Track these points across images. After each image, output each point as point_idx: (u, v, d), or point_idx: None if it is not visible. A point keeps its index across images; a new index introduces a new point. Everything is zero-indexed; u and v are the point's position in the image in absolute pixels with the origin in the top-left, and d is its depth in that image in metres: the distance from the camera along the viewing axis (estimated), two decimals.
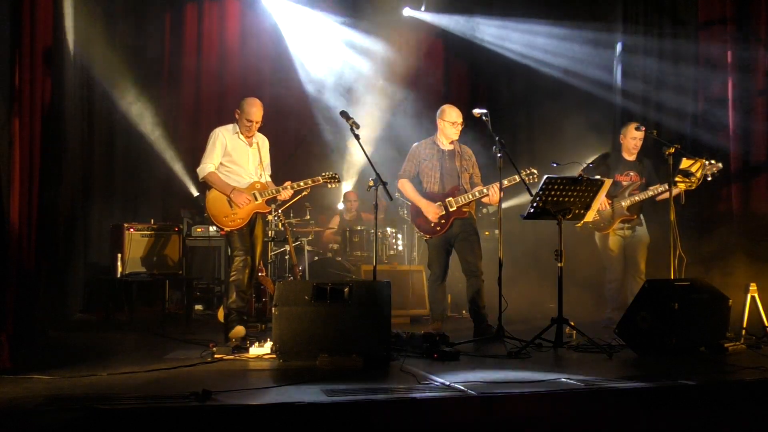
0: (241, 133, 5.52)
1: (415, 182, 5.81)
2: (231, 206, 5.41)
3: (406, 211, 8.13)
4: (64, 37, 6.26)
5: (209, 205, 5.43)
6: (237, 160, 5.50)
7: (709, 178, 5.74)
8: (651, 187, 6.01)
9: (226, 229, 5.43)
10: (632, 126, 6.14)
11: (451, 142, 5.79)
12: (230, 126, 5.56)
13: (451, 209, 5.61)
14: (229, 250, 5.70)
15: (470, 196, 5.60)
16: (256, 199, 5.47)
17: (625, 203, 6.01)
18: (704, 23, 7.17)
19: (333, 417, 3.12)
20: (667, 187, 5.63)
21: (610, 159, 6.32)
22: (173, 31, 8.45)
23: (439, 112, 5.82)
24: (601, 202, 5.85)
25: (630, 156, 6.24)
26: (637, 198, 6.03)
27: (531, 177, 5.50)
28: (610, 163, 6.27)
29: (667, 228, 5.49)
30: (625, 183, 6.13)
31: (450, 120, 5.71)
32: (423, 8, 9.39)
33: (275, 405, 3.14)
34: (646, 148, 6.34)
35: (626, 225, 6.11)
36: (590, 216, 5.18)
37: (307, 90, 8.96)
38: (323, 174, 5.70)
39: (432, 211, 5.61)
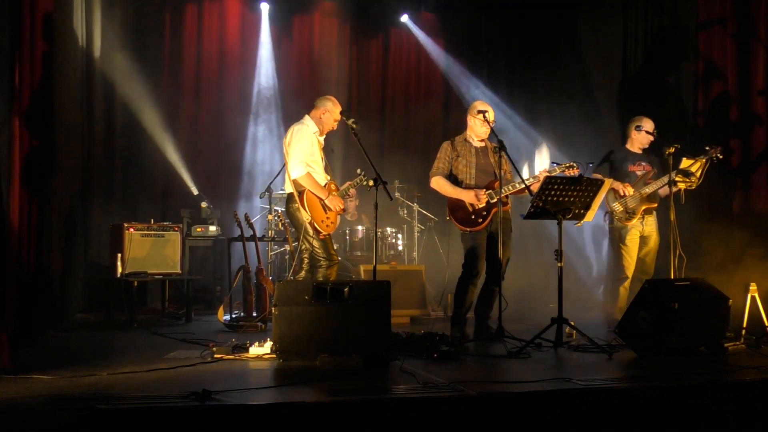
0: (323, 133, 5.34)
1: (449, 179, 5.54)
2: (325, 210, 5.22)
3: (406, 211, 8.14)
4: (63, 38, 6.26)
5: (311, 207, 5.14)
6: (317, 160, 5.29)
7: (715, 160, 5.71)
8: (666, 176, 5.86)
9: (323, 233, 5.18)
10: (650, 122, 6.04)
11: (482, 140, 5.59)
12: (308, 122, 5.30)
13: (492, 201, 5.34)
14: (311, 256, 5.25)
15: (511, 188, 5.36)
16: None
17: (644, 191, 5.90)
18: (704, 23, 7.16)
19: (333, 417, 3.12)
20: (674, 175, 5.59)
21: (616, 155, 6.16)
22: (173, 31, 8.44)
23: (469, 108, 5.62)
24: (624, 191, 5.85)
25: (638, 150, 6.13)
26: (655, 186, 5.87)
27: (571, 168, 5.29)
28: (615, 158, 6.12)
29: (667, 228, 5.47)
30: (639, 173, 6.02)
31: (480, 116, 5.42)
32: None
33: (275, 405, 3.14)
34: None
35: (645, 218, 5.97)
36: (590, 216, 5.15)
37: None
38: (358, 171, 5.44)
39: (473, 196, 5.33)
